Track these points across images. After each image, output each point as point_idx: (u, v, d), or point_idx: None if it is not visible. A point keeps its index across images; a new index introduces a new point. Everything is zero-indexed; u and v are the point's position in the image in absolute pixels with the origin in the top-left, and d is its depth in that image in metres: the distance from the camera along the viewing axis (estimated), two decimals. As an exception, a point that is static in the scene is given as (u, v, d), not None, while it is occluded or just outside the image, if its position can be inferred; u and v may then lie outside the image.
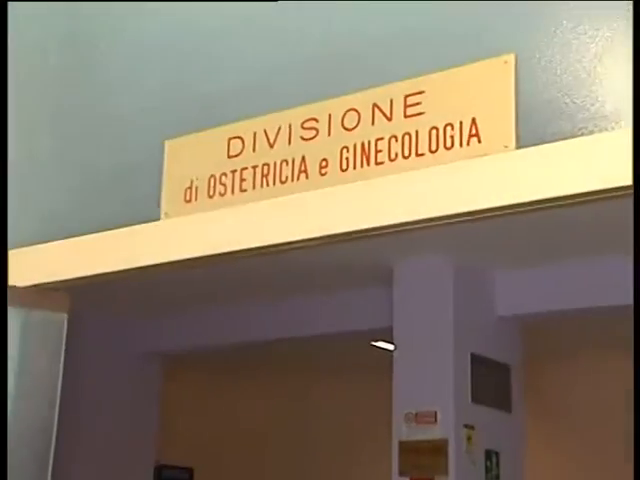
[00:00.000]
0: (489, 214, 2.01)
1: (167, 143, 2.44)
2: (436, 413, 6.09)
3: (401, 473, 6.10)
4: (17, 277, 2.58)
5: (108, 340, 8.04)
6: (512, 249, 6.09)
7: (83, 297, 3.31)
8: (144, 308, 7.71)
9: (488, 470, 6.22)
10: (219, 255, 2.27)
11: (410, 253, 6.20)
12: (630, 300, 6.06)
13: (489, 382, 6.39)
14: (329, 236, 2.15)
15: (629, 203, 1.78)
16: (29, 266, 2.57)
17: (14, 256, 2.53)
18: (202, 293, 7.15)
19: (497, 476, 6.27)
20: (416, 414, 6.13)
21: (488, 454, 6.25)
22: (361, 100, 2.20)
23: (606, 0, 1.98)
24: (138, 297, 7.31)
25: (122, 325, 8.02)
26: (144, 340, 8.06)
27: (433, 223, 2.07)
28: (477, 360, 6.31)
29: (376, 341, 7.48)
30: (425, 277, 6.37)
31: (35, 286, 2.58)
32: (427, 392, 6.17)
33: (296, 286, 6.91)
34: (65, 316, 2.59)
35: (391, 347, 6.54)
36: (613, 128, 1.90)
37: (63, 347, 2.65)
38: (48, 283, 2.53)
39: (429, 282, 6.35)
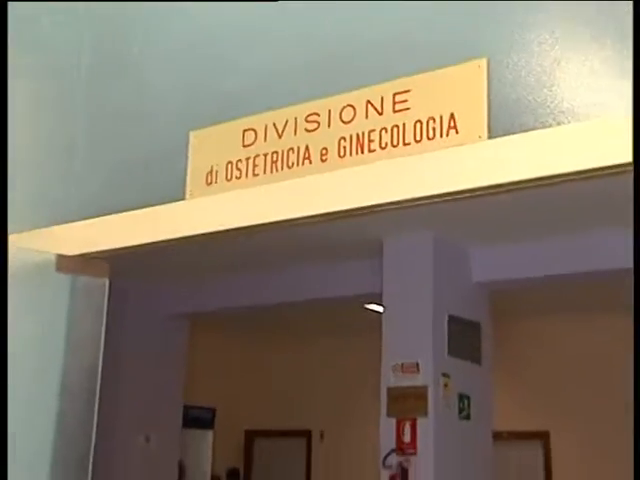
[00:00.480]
0: (465, 195, 1.99)
1: (191, 134, 2.42)
2: (418, 364, 6.10)
3: (389, 414, 6.13)
4: (65, 247, 2.57)
5: (143, 303, 8.06)
6: (484, 225, 6.09)
7: (122, 266, 3.31)
8: (173, 276, 7.71)
9: (461, 411, 6.25)
10: (235, 229, 2.26)
11: (398, 229, 6.20)
12: (587, 268, 6.05)
13: (463, 338, 6.40)
14: (329, 213, 2.13)
15: (588, 185, 1.77)
16: (75, 238, 2.55)
17: (62, 230, 2.51)
18: (221, 263, 7.15)
19: (468, 416, 6.30)
20: (402, 365, 6.14)
21: (461, 398, 6.27)
22: (356, 97, 2.17)
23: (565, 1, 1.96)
24: (168, 266, 7.31)
25: (155, 290, 8.03)
26: (173, 303, 8.07)
27: (418, 202, 2.05)
28: (453, 320, 6.32)
29: (368, 304, 7.47)
30: (410, 250, 6.36)
31: (80, 255, 2.56)
32: (411, 347, 6.18)
33: (301, 257, 6.91)
34: (106, 281, 2.57)
35: (381, 309, 6.54)
36: (569, 121, 1.89)
37: (105, 307, 2.64)
38: (91, 253, 2.52)
39: (413, 254, 6.35)
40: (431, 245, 6.29)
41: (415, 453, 5.95)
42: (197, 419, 9.20)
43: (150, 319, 8.09)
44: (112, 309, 2.67)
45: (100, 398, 2.60)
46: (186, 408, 8.50)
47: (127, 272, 6.72)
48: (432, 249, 6.29)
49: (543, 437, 8.63)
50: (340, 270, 7.06)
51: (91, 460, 2.55)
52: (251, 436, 10.57)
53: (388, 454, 6.01)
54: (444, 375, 6.13)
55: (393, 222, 6.02)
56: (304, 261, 7.03)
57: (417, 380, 6.06)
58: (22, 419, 2.52)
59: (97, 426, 2.60)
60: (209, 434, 9.56)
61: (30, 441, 2.52)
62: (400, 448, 5.99)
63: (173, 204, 2.29)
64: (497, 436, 6.87)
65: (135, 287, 7.82)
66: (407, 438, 6.01)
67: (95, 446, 2.57)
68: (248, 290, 7.56)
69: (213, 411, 9.60)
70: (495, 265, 6.49)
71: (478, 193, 1.97)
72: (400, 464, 5.94)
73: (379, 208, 2.10)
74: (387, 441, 6.08)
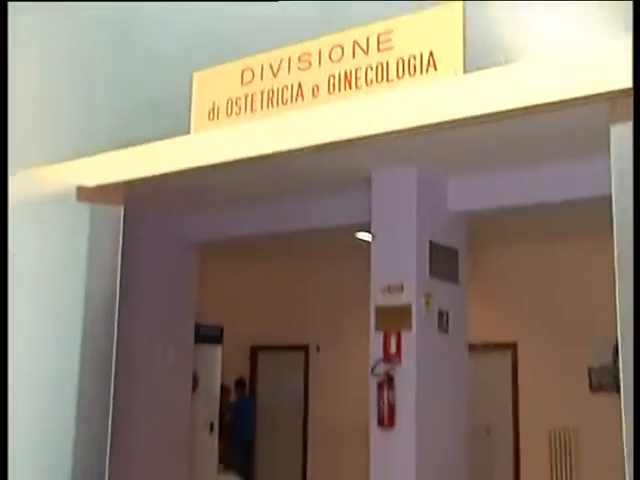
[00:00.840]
0: (444, 126, 1.97)
1: (195, 74, 2.39)
2: (403, 285, 6.15)
3: (377, 329, 6.20)
4: (85, 179, 2.55)
5: (157, 232, 8.06)
6: (460, 159, 6.06)
7: (138, 199, 3.29)
8: (184, 207, 7.71)
9: (440, 324, 6.32)
10: (236, 161, 2.24)
11: (384, 164, 6.18)
12: (556, 197, 6.04)
13: (443, 262, 6.44)
14: (321, 145, 2.11)
15: (560, 116, 1.75)
16: (95, 171, 2.53)
17: (83, 163, 2.50)
18: (225, 196, 7.15)
19: (447, 329, 6.38)
20: (388, 286, 6.19)
21: (440, 313, 6.33)
22: (344, 38, 2.14)
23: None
24: (179, 199, 7.31)
25: (167, 220, 8.03)
26: (184, 232, 8.08)
27: (401, 134, 2.03)
28: (434, 246, 6.35)
29: (359, 232, 7.49)
30: (395, 182, 6.35)
31: (99, 186, 2.55)
32: (397, 270, 6.22)
33: (298, 189, 6.90)
34: (122, 209, 2.56)
35: (369, 237, 6.56)
36: (534, 61, 1.86)
37: (121, 232, 2.63)
38: (109, 184, 2.50)
39: (398, 186, 6.34)
40: (414, 178, 6.27)
41: (400, 362, 6.04)
42: (207, 336, 9.29)
43: (164, 246, 8.12)
44: (130, 238, 2.67)
45: (120, 317, 2.62)
46: (197, 326, 8.58)
47: (143, 204, 6.72)
48: (415, 182, 6.27)
49: (511, 348, 8.76)
50: (333, 202, 7.06)
51: (113, 371, 2.58)
52: (255, 350, 10.72)
53: (376, 363, 6.10)
54: (426, 294, 6.19)
55: (380, 157, 6.00)
56: (300, 193, 7.02)
57: (402, 299, 6.12)
58: (49, 336, 2.54)
59: (118, 342, 2.62)
60: (218, 349, 9.66)
61: (57, 354, 2.53)
62: (387, 358, 6.08)
63: (179, 138, 2.27)
64: (471, 347, 6.97)
65: (150, 218, 7.82)
66: (393, 349, 6.09)
67: (117, 360, 2.59)
68: (250, 221, 7.57)
69: (221, 329, 9.69)
70: (470, 196, 6.50)
71: (455, 124, 1.95)
72: (387, 372, 6.04)
73: (365, 140, 2.08)
74: (375, 352, 6.17)
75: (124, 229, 2.62)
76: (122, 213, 2.52)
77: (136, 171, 2.39)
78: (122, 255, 2.64)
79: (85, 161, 2.47)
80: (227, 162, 2.23)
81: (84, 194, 2.57)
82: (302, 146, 2.10)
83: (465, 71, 1.91)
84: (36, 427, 2.53)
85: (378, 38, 2.08)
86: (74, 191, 2.47)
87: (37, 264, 2.58)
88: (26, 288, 2.51)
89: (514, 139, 5.44)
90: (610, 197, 1.73)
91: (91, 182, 2.49)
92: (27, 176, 2.56)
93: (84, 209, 2.50)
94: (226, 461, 6.43)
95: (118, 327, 2.63)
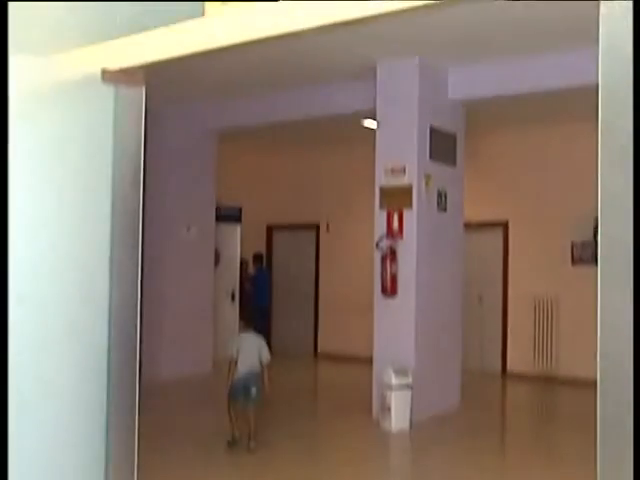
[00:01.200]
0: (443, 4, 1.90)
1: (208, -41, 2.30)
2: (405, 167, 6.13)
3: (381, 207, 6.25)
4: (109, 62, 2.51)
5: (178, 120, 7.99)
6: (460, 49, 5.90)
7: (160, 89, 3.23)
8: (202, 96, 7.61)
9: (439, 203, 6.36)
10: (250, 42, 2.18)
11: (388, 54, 6.04)
12: (548, 86, 5.89)
13: (442, 146, 6.40)
14: (327, 25, 2.05)
15: (555, 4, 1.68)
16: (117, 54, 2.48)
17: (107, 46, 2.44)
18: (240, 84, 7.04)
19: (445, 208, 6.42)
20: (391, 168, 6.18)
21: (439, 193, 6.36)
22: None
23: None
24: (198, 88, 7.20)
25: (188, 109, 7.94)
26: (203, 120, 8.00)
27: (400, 14, 1.96)
28: (434, 131, 6.29)
29: (365, 119, 7.39)
30: (398, 71, 6.22)
31: (122, 69, 2.50)
32: (399, 153, 6.19)
33: (308, 78, 6.77)
34: (143, 89, 2.52)
35: (374, 124, 6.48)
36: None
37: (143, 110, 2.61)
38: (130, 67, 2.46)
39: (402, 75, 6.21)
40: (417, 68, 6.13)
41: (402, 238, 6.12)
42: (227, 216, 9.37)
43: (186, 133, 8.07)
44: (154, 126, 2.66)
45: (146, 199, 2.64)
46: (218, 207, 8.64)
47: (165, 94, 6.63)
48: (417, 71, 6.14)
49: (503, 226, 8.83)
50: (341, 90, 6.94)
51: (140, 243, 2.62)
52: (271, 228, 10.84)
53: (380, 239, 6.19)
54: (426, 176, 6.18)
55: (384, 48, 5.85)
56: (311, 82, 6.90)
57: (404, 180, 6.13)
58: (79, 216, 2.56)
59: (146, 223, 2.65)
60: (237, 227, 9.77)
61: (87, 233, 2.57)
62: (390, 234, 6.16)
63: (193, 20, 2.21)
64: (467, 225, 7.03)
65: (172, 107, 7.73)
66: (395, 226, 6.16)
67: (147, 239, 2.62)
68: (264, 109, 7.47)
69: (240, 209, 9.76)
70: (469, 84, 6.37)
71: (451, 3, 1.88)
72: (390, 246, 6.13)
73: (368, 20, 2.01)
74: (380, 229, 6.24)
75: (147, 114, 2.60)
76: (144, 93, 2.49)
77: (156, 54, 2.34)
78: (147, 141, 2.63)
79: (110, 44, 2.42)
80: (241, 43, 2.17)
81: (108, 76, 2.52)
82: (309, 27, 2.04)
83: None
84: (70, 294, 2.61)
85: None
86: (98, 74, 2.44)
87: (65, 145, 2.57)
88: (55, 170, 2.51)
89: (510, 28, 5.26)
90: (594, 84, 1.68)
91: (115, 65, 2.45)
92: (53, 60, 2.51)
93: (108, 91, 2.48)
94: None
95: (146, 209, 2.66)
